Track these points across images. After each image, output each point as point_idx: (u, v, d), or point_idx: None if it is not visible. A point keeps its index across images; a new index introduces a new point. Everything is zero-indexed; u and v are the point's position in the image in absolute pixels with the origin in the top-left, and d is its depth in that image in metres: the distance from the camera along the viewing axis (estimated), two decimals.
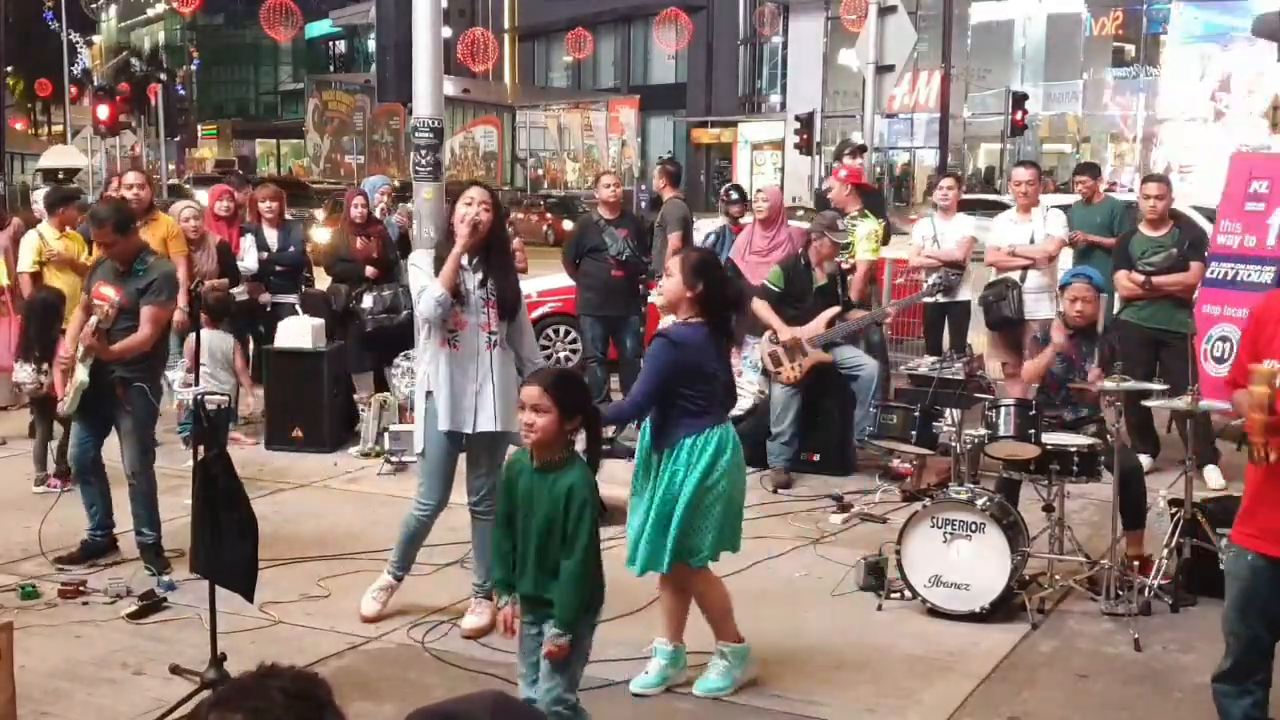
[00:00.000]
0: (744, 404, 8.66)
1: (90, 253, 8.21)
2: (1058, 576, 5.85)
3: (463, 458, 5.55)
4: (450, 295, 5.26)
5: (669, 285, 4.83)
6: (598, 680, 4.90)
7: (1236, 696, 4.04)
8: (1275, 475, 3.81)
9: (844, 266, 8.93)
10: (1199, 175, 25.05)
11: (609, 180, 9.85)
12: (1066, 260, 9.43)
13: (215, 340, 8.48)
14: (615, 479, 5.95)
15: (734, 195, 11.02)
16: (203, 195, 14.06)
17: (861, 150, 10.49)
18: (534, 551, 4.01)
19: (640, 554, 4.81)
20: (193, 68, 64.13)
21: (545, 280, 12.68)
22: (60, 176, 26.36)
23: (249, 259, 9.51)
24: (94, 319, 5.94)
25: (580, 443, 4.14)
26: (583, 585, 4.00)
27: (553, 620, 3.99)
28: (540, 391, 3.98)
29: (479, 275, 5.36)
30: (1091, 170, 10.67)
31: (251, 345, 9.98)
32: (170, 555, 6.24)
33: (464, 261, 5.31)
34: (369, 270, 9.37)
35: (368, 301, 9.21)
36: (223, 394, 6.82)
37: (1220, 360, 8.07)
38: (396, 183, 14.27)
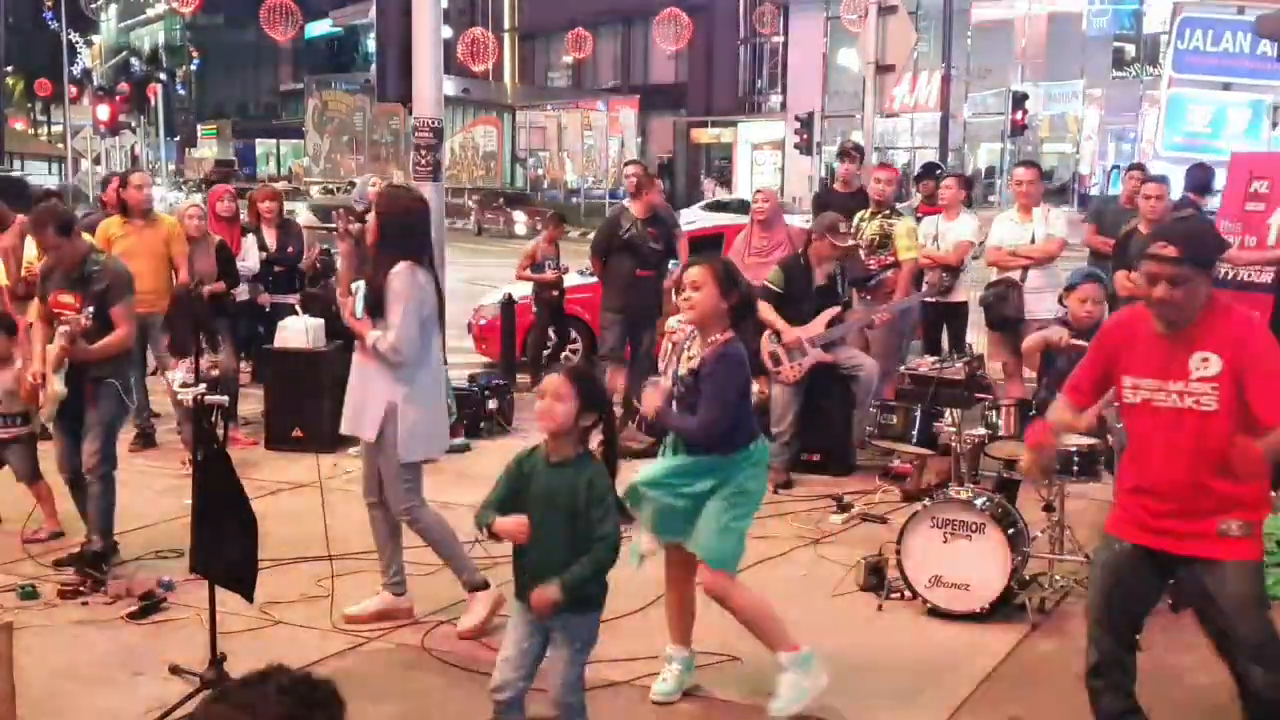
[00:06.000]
0: None
1: None
2: (1058, 576, 5.85)
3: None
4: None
5: (701, 298, 4.56)
6: (599, 680, 4.91)
7: (1109, 690, 4.09)
8: (1131, 471, 4.01)
9: (882, 263, 9.01)
10: None
11: (630, 170, 9.75)
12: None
13: None
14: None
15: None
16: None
17: (858, 151, 10.43)
18: (562, 545, 3.96)
19: (715, 550, 4.67)
20: (193, 68, 64.15)
21: None
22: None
23: (250, 259, 9.53)
24: (62, 329, 5.91)
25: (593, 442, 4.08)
26: (604, 569, 4.01)
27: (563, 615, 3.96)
28: (563, 380, 3.99)
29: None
30: (1143, 169, 10.47)
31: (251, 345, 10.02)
32: (170, 555, 6.23)
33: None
34: None
35: None
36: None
37: None
38: (382, 181, 14.26)
